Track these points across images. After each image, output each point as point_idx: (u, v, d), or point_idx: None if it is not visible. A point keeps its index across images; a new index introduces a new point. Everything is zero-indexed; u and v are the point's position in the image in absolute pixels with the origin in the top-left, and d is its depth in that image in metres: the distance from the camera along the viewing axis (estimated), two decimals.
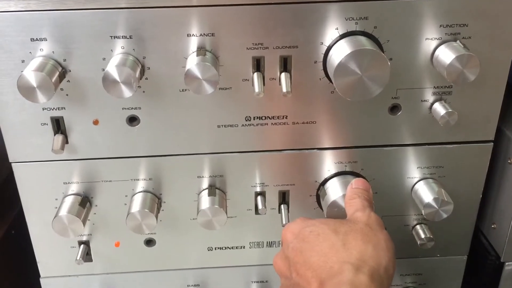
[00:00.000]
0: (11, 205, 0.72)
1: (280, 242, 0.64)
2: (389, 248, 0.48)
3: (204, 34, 0.52)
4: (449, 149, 0.60)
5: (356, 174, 0.60)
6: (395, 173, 0.61)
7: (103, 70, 0.52)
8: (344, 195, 0.57)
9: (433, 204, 0.58)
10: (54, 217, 0.57)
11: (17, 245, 0.70)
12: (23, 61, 0.51)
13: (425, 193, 0.59)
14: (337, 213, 0.57)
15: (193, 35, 0.52)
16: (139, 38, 0.52)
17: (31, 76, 0.49)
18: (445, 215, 0.59)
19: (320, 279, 0.46)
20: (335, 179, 0.60)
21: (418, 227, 0.64)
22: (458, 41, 0.53)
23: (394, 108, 0.57)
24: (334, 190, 0.59)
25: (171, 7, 0.51)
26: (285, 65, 0.54)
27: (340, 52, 0.50)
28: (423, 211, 0.59)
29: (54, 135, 0.55)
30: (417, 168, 0.61)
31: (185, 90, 0.54)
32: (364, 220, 0.50)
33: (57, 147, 0.54)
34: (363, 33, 0.52)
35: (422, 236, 0.63)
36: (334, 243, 0.47)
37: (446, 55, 0.51)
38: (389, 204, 0.63)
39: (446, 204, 0.58)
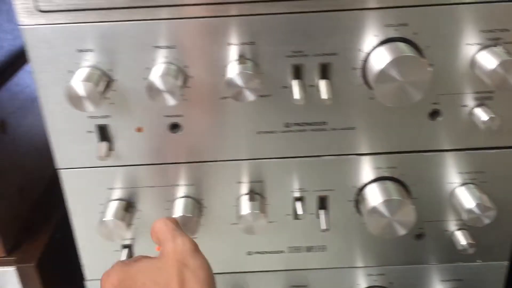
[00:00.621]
0: (55, 210, 0.75)
1: (318, 247, 0.65)
2: (209, 276, 0.47)
3: (244, 42, 0.53)
4: (490, 154, 0.59)
5: (395, 180, 0.60)
6: (435, 178, 0.61)
7: (146, 79, 0.53)
8: (384, 201, 0.57)
9: (476, 210, 0.58)
10: (100, 222, 0.58)
11: (62, 248, 0.73)
12: (70, 72, 0.53)
13: (467, 198, 0.59)
14: (378, 218, 0.57)
15: (233, 43, 0.53)
16: (181, 47, 0.53)
17: (79, 86, 0.50)
18: (487, 221, 0.58)
19: None
20: (374, 185, 0.60)
21: (458, 232, 0.63)
22: (499, 46, 0.52)
23: (434, 114, 0.57)
24: (374, 196, 0.59)
25: (212, 17, 0.52)
26: (324, 72, 0.54)
27: (380, 58, 0.50)
28: (465, 216, 0.58)
29: (99, 142, 0.57)
30: (458, 173, 0.60)
31: (226, 97, 0.55)
32: (176, 256, 0.47)
33: (102, 154, 0.56)
34: (402, 39, 0.52)
35: (463, 242, 0.62)
36: None
37: (488, 60, 0.51)
38: (429, 210, 0.62)
39: (489, 210, 0.58)
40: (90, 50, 0.53)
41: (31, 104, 0.75)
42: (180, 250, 0.48)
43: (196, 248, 0.49)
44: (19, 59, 0.76)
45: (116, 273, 0.48)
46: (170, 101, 0.51)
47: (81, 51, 0.53)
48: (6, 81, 0.69)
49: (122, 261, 0.50)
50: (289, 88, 0.55)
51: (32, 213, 0.73)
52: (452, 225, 0.64)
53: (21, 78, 0.73)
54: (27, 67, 0.75)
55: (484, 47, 0.52)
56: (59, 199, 0.76)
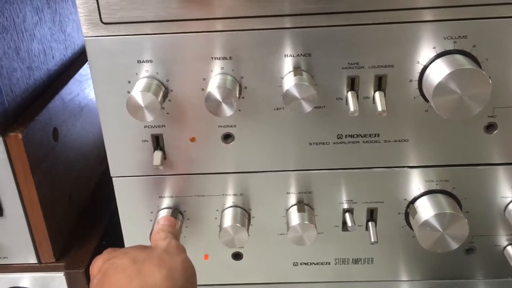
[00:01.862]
0: (101, 217, 0.76)
1: (365, 260, 0.65)
2: (185, 268, 0.50)
3: (300, 54, 0.53)
4: None
5: (447, 193, 0.60)
6: (487, 192, 0.60)
7: (203, 90, 0.54)
8: (436, 215, 0.57)
9: None
10: (151, 231, 0.59)
11: None
12: (129, 82, 0.54)
13: None
14: (430, 232, 0.57)
15: (290, 55, 0.53)
16: (237, 59, 0.54)
17: (139, 96, 0.51)
18: None
19: None
20: (425, 198, 0.60)
21: (510, 247, 0.62)
22: None
23: (490, 127, 0.56)
24: (425, 209, 0.58)
25: (268, 29, 0.53)
26: (379, 84, 0.54)
27: (439, 71, 0.50)
28: None
29: (154, 151, 0.58)
30: (511, 187, 0.59)
31: (279, 108, 0.56)
32: (163, 246, 0.52)
33: (157, 162, 0.57)
34: (460, 52, 0.52)
35: None
36: (130, 273, 0.48)
37: None
38: (480, 224, 0.62)
39: None
40: (149, 61, 0.54)
41: (80, 113, 0.77)
42: (171, 244, 0.52)
43: (183, 249, 0.53)
44: (69, 68, 0.78)
45: (102, 256, 0.53)
46: (228, 111, 0.52)
47: (140, 62, 0.54)
48: (59, 90, 0.71)
49: (112, 248, 0.54)
50: (343, 99, 0.55)
51: (80, 219, 0.75)
52: (503, 240, 0.63)
53: (72, 87, 0.75)
54: (77, 76, 0.77)
55: None
56: (106, 206, 0.78)
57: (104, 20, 0.52)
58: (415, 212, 0.59)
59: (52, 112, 0.68)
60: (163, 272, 0.48)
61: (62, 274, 0.67)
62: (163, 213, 0.61)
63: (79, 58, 0.81)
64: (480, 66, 0.52)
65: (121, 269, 0.49)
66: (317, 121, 0.57)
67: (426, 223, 0.57)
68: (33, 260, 0.66)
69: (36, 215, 0.64)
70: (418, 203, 0.60)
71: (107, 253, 0.53)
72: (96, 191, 0.81)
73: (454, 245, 0.58)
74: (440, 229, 0.57)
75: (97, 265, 0.52)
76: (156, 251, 0.51)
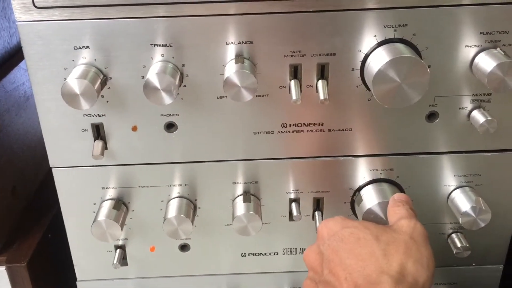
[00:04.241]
0: (47, 209, 0.74)
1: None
2: (429, 266, 0.47)
3: (242, 42, 0.52)
4: (487, 157, 0.59)
5: (391, 182, 0.60)
6: (431, 181, 0.61)
7: (143, 77, 0.53)
8: (379, 203, 0.57)
9: (471, 212, 0.57)
10: (93, 222, 0.58)
11: (54, 248, 0.72)
12: (66, 69, 0.53)
13: (462, 201, 0.59)
14: (373, 220, 0.57)
15: (232, 42, 0.53)
16: (178, 46, 0.52)
17: (74, 83, 0.50)
18: (482, 224, 0.58)
19: (355, 283, 0.45)
20: (370, 187, 0.60)
21: (454, 235, 0.63)
22: (498, 49, 0.52)
23: (431, 116, 0.57)
24: (370, 198, 0.58)
25: (210, 15, 0.52)
26: (322, 72, 0.54)
27: (379, 59, 0.50)
28: (460, 219, 0.58)
29: (94, 141, 0.56)
30: (454, 176, 0.60)
31: (223, 97, 0.55)
32: (409, 231, 0.48)
33: (97, 153, 0.55)
34: (401, 41, 0.52)
35: (458, 245, 0.62)
36: (374, 250, 0.47)
37: (487, 62, 0.51)
38: (424, 212, 0.62)
39: (484, 213, 0.57)
40: (86, 47, 0.52)
41: (25, 102, 0.75)
42: (417, 231, 0.48)
43: (428, 237, 0.49)
44: (14, 56, 0.75)
45: (335, 221, 0.51)
46: (167, 100, 0.51)
47: (77, 48, 0.52)
48: (1, 78, 0.68)
49: (342, 217, 0.52)
50: (286, 88, 0.54)
51: (24, 212, 0.72)
52: (447, 228, 0.64)
53: (16, 75, 0.72)
54: (22, 64, 0.74)
55: (483, 49, 0.52)
56: (52, 199, 0.76)
57: (37, 4, 0.50)
58: (360, 200, 0.59)
59: None
60: (409, 263, 0.45)
61: (4, 268, 0.65)
62: (106, 204, 0.60)
63: None
64: (420, 55, 0.52)
65: (364, 243, 0.47)
66: (261, 110, 0.56)
67: (369, 211, 0.57)
68: None
69: None
70: (363, 192, 0.60)
71: (341, 220, 0.51)
72: (44, 184, 0.79)
73: None
74: (383, 217, 0.57)
75: (330, 228, 0.51)
76: (401, 235, 0.48)
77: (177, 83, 0.51)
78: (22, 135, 0.74)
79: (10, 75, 0.71)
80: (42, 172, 0.80)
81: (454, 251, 0.62)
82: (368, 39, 0.52)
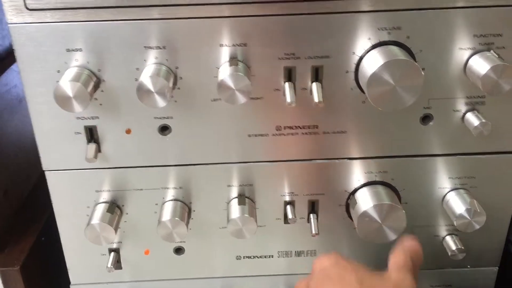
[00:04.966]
0: (41, 212, 0.74)
1: (307, 252, 0.65)
2: None
3: (236, 44, 0.52)
4: (481, 159, 0.59)
5: (386, 184, 0.60)
6: (425, 183, 0.60)
7: (137, 80, 0.53)
8: (374, 205, 0.57)
9: (466, 215, 0.57)
10: (87, 225, 0.57)
11: (47, 252, 0.71)
12: (58, 71, 0.52)
13: (457, 203, 0.59)
14: (368, 223, 0.57)
15: (225, 45, 0.52)
16: (172, 48, 0.52)
17: (67, 86, 0.49)
18: (477, 226, 0.58)
19: None
20: (365, 189, 0.60)
21: (448, 237, 0.63)
22: (491, 51, 0.52)
23: (425, 118, 0.57)
24: (365, 200, 0.58)
25: (203, 17, 0.52)
26: (316, 75, 0.54)
27: (373, 62, 0.50)
28: (455, 222, 0.58)
29: (88, 143, 0.56)
30: (448, 178, 0.60)
31: (217, 99, 0.55)
32: (395, 282, 0.48)
33: (91, 155, 0.55)
34: (395, 43, 0.52)
35: (453, 247, 0.62)
36: None
37: (480, 65, 0.51)
38: (419, 215, 0.62)
39: (478, 215, 0.57)
40: (79, 50, 0.52)
41: (18, 105, 0.74)
42: (404, 284, 0.48)
43: None
44: (6, 58, 0.75)
45: (330, 257, 0.52)
46: (160, 102, 0.50)
47: (69, 50, 0.52)
48: None
49: (339, 255, 0.53)
50: (281, 90, 0.54)
51: (17, 215, 0.72)
52: (442, 230, 0.64)
53: (8, 78, 0.72)
54: (14, 67, 0.74)
55: (477, 51, 0.52)
56: (45, 202, 0.75)
57: (29, 6, 0.49)
58: (355, 203, 0.59)
59: None
60: None
61: None
62: (100, 207, 0.59)
63: None
64: (414, 58, 0.52)
65: (347, 285, 0.48)
66: (256, 112, 0.56)
67: (364, 214, 0.57)
68: None
69: None
70: (358, 195, 0.60)
71: (335, 258, 0.52)
72: (37, 187, 0.79)
73: (393, 236, 0.58)
74: (379, 220, 0.57)
75: (322, 263, 0.52)
76: (387, 284, 0.48)
77: (170, 86, 0.51)
78: (14, 138, 0.73)
79: (2, 77, 0.70)
80: (35, 175, 0.80)
81: (449, 253, 0.62)
82: (362, 41, 0.52)
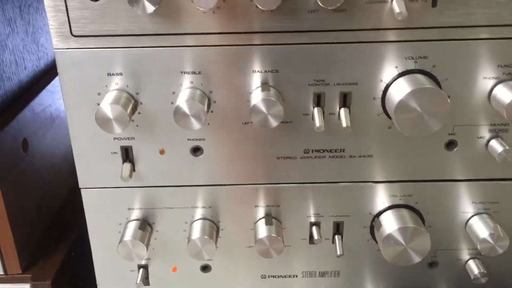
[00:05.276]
0: (71, 228, 0.76)
1: (331, 272, 0.66)
2: None
3: (268, 70, 0.55)
4: (504, 185, 0.60)
5: (410, 208, 0.61)
6: (449, 207, 0.62)
7: (172, 103, 0.55)
8: (399, 228, 0.58)
9: (489, 239, 0.59)
10: (119, 242, 0.59)
11: (77, 267, 0.73)
12: (99, 94, 0.55)
13: (481, 228, 0.60)
14: (393, 245, 0.58)
15: (258, 71, 0.55)
16: (206, 73, 0.55)
17: (108, 108, 0.52)
18: (501, 251, 0.59)
19: None
20: (389, 212, 0.61)
21: (471, 261, 0.64)
22: None
23: (450, 144, 0.58)
24: (389, 223, 0.60)
25: (237, 45, 0.54)
26: (344, 100, 0.56)
27: (400, 89, 0.52)
28: (479, 246, 0.59)
29: (123, 163, 0.58)
30: (472, 203, 0.61)
31: (248, 123, 0.57)
32: None
33: (126, 175, 0.57)
34: (421, 72, 0.54)
35: (476, 271, 0.63)
36: None
37: (505, 94, 0.52)
38: (442, 238, 0.63)
39: (502, 239, 0.58)
40: (119, 74, 0.54)
41: (51, 124, 0.77)
42: None
43: None
44: (41, 79, 0.78)
45: None
46: (196, 125, 0.53)
47: (110, 74, 0.54)
48: (30, 100, 0.71)
49: None
50: (309, 115, 0.56)
51: (48, 231, 0.74)
52: (465, 254, 0.65)
53: (43, 98, 0.75)
54: (49, 87, 0.77)
55: (501, 81, 0.54)
56: (75, 218, 0.78)
57: (74, 33, 0.52)
58: (379, 225, 0.60)
59: (22, 123, 0.68)
60: None
61: (29, 286, 0.66)
62: (132, 225, 0.61)
63: (52, 69, 0.82)
64: (440, 86, 0.54)
65: None
66: (285, 136, 0.58)
67: (389, 237, 0.58)
68: None
69: (3, 226, 0.63)
70: (382, 217, 0.61)
71: None
72: (66, 203, 0.81)
73: (417, 259, 0.59)
74: (403, 243, 0.58)
75: None
76: None
77: (205, 109, 0.53)
78: (47, 156, 0.76)
79: (38, 97, 0.74)
80: (65, 191, 0.82)
81: (472, 277, 0.63)
82: (390, 69, 0.54)
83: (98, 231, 0.63)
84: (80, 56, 0.53)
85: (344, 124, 0.54)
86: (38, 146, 0.73)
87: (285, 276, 0.66)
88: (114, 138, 0.57)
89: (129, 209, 0.62)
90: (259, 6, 0.50)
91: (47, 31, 0.81)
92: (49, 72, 0.81)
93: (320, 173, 0.60)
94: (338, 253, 0.62)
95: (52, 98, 0.78)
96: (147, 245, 0.61)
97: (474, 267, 0.63)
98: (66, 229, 0.76)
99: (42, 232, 0.73)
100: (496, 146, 0.56)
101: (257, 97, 0.53)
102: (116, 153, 0.58)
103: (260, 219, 0.62)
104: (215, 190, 0.61)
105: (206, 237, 0.60)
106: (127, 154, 0.58)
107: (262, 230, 0.60)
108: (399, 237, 0.58)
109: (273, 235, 0.59)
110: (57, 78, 0.79)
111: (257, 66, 0.55)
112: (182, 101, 0.52)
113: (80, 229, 0.76)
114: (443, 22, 0.52)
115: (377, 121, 0.57)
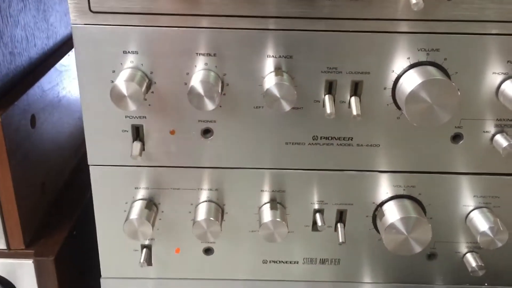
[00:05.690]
0: (74, 206, 0.76)
1: (332, 260, 0.67)
2: None
3: (282, 56, 0.55)
4: (506, 180, 0.62)
5: (413, 199, 0.62)
6: (451, 200, 0.63)
7: (186, 84, 0.56)
8: (401, 218, 0.59)
9: (489, 232, 0.60)
10: (126, 220, 0.60)
11: (80, 244, 0.74)
12: (113, 71, 0.55)
13: (481, 221, 0.61)
14: (394, 235, 0.59)
15: (272, 56, 0.55)
16: (221, 56, 0.55)
17: (123, 85, 0.52)
18: (500, 244, 0.60)
19: None
20: (392, 202, 0.62)
21: (469, 254, 0.65)
22: None
23: (456, 137, 0.59)
24: (392, 213, 0.61)
25: (252, 29, 0.55)
26: (356, 89, 0.57)
27: (412, 80, 0.53)
28: (478, 239, 0.60)
29: (133, 141, 0.59)
30: (473, 196, 0.63)
31: (259, 107, 0.58)
32: None
33: (136, 153, 0.58)
34: (432, 64, 0.55)
35: (473, 264, 0.64)
36: None
37: None
38: (442, 230, 0.64)
39: (501, 233, 0.60)
40: (135, 52, 0.55)
41: (58, 103, 0.77)
42: None
43: None
44: (50, 58, 0.78)
45: None
46: (209, 105, 0.53)
47: (126, 52, 0.55)
48: (39, 77, 0.71)
49: None
50: (320, 102, 0.57)
51: (52, 208, 0.75)
52: (463, 247, 0.66)
53: (52, 76, 0.75)
54: (57, 66, 0.77)
55: (509, 77, 0.55)
56: (79, 197, 0.78)
57: (93, 9, 0.53)
58: (382, 215, 0.61)
59: (31, 99, 0.68)
60: None
61: (31, 261, 0.67)
62: (138, 204, 0.62)
63: (60, 49, 0.82)
64: (450, 79, 0.55)
65: None
66: (294, 121, 0.59)
67: (392, 226, 0.59)
68: (2, 245, 0.66)
69: (9, 200, 0.64)
70: (385, 207, 0.62)
71: None
72: (70, 181, 0.81)
73: (417, 249, 0.60)
74: (405, 232, 0.59)
75: None
76: None
77: (219, 91, 0.53)
78: (53, 134, 0.76)
79: (47, 75, 0.74)
80: (68, 170, 0.82)
81: (469, 270, 0.64)
82: (402, 60, 0.55)
83: (104, 208, 0.63)
84: (97, 33, 0.54)
85: (354, 112, 0.55)
86: (45, 123, 0.73)
87: (286, 262, 0.67)
88: (125, 116, 0.58)
89: (136, 188, 0.62)
90: None
91: (57, 10, 0.81)
92: (57, 51, 0.81)
93: (327, 160, 0.61)
94: (340, 240, 0.63)
95: (60, 77, 0.78)
96: (153, 225, 0.61)
97: (472, 260, 0.65)
98: (69, 207, 0.76)
99: (46, 209, 0.73)
100: (501, 140, 0.57)
101: (270, 81, 0.54)
102: (127, 131, 0.59)
103: (265, 203, 0.63)
104: (222, 173, 0.62)
105: (212, 218, 0.60)
106: (137, 133, 0.59)
107: (267, 215, 0.61)
108: (401, 226, 0.59)
109: (277, 219, 0.60)
110: (65, 57, 0.80)
111: (271, 51, 0.55)
112: (196, 81, 0.53)
113: (82, 208, 0.76)
114: (457, 15, 0.53)
115: (386, 111, 0.58)
